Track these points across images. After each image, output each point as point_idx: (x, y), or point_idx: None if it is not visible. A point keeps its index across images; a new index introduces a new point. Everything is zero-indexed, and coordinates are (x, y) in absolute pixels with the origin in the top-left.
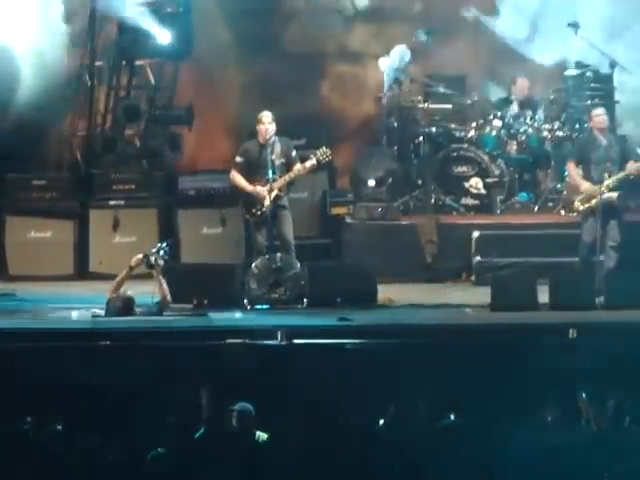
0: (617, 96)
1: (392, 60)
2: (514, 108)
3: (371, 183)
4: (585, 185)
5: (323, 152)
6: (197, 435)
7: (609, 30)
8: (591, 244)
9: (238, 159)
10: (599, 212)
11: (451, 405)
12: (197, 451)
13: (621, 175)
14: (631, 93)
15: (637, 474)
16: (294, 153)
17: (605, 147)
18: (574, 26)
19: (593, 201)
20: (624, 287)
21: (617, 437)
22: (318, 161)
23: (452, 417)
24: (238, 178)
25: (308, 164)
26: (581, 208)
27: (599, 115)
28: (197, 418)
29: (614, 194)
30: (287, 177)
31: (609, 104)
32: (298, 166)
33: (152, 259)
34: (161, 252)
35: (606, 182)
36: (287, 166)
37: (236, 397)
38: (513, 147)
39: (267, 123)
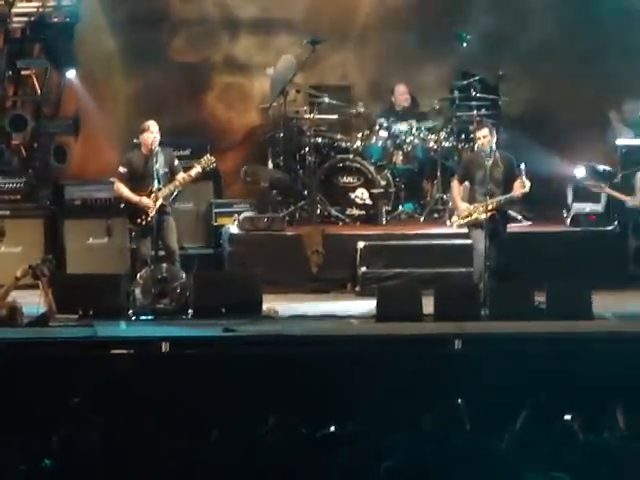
0: (503, 106)
1: (278, 70)
2: (399, 118)
3: (274, 192)
4: (461, 207)
5: (207, 159)
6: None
7: (494, 41)
8: (481, 253)
9: (122, 170)
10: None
11: (334, 415)
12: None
13: (501, 199)
14: (516, 103)
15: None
16: (177, 162)
17: (489, 168)
18: (460, 37)
19: (467, 219)
20: (505, 298)
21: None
22: (203, 168)
23: (332, 428)
24: (122, 189)
25: (193, 172)
26: (455, 224)
27: (484, 136)
28: (87, 429)
29: (488, 215)
30: (172, 186)
31: (495, 114)
32: (183, 175)
33: (38, 270)
34: (47, 263)
35: (483, 205)
36: (171, 175)
37: (123, 407)
38: (399, 157)
39: (152, 133)
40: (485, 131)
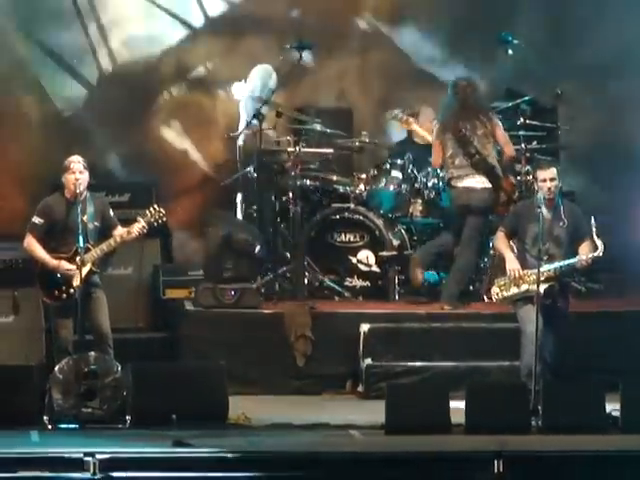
0: (562, 137)
1: (251, 86)
2: (419, 153)
3: (257, 249)
4: (513, 264)
5: (155, 212)
6: None
7: (551, 48)
8: (532, 340)
9: (37, 220)
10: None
11: None
12: None
13: (562, 264)
14: (582, 135)
15: None
16: (112, 214)
17: (550, 220)
18: (505, 41)
19: (513, 290)
20: (564, 404)
21: None
22: (149, 224)
23: None
24: (36, 247)
25: (135, 229)
26: (497, 297)
27: (551, 179)
28: None
29: (543, 286)
30: (105, 246)
31: (550, 148)
32: (120, 231)
33: None
34: None
35: (537, 270)
36: (103, 231)
37: None
38: (418, 208)
39: (77, 172)
40: (552, 172)
